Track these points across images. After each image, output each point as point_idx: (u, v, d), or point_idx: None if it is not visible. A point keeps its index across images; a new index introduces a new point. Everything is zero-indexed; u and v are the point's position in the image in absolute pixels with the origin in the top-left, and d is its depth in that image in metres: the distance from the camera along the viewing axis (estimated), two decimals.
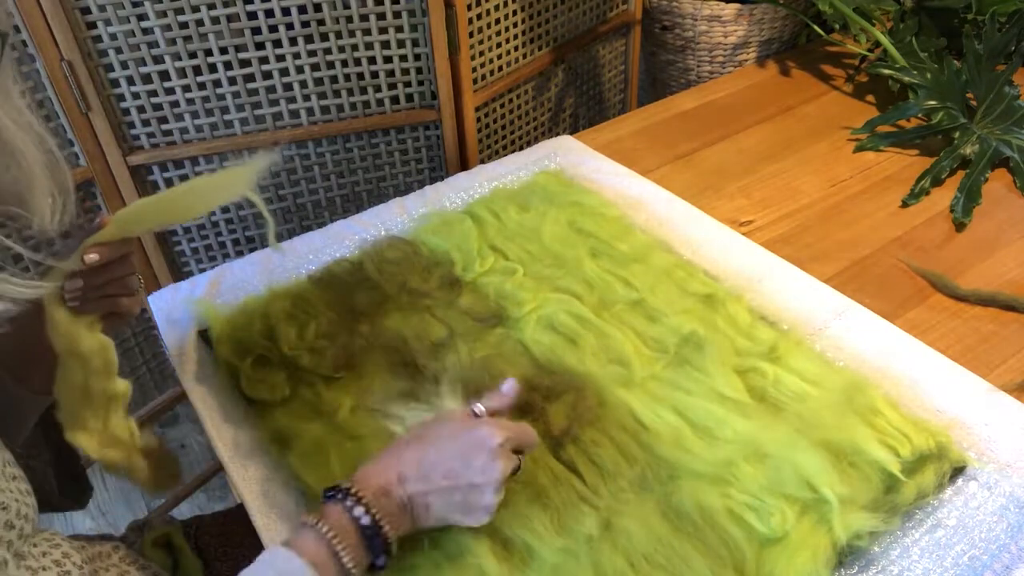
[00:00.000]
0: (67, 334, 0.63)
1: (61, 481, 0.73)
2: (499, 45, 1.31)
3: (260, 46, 1.15)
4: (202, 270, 1.34)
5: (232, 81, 1.16)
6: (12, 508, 0.54)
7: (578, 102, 1.59)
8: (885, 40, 1.29)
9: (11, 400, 0.67)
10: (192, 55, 1.12)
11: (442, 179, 1.13)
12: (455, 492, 0.59)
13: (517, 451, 0.62)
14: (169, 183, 1.24)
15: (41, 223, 0.58)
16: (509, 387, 0.67)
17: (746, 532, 0.61)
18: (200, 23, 1.10)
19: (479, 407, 0.64)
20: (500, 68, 1.34)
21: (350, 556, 0.55)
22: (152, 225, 0.67)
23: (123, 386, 0.69)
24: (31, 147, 0.55)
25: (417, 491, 0.58)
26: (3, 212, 0.55)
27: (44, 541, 0.59)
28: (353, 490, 0.57)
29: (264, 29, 1.13)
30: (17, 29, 1.03)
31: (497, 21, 1.28)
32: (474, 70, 1.28)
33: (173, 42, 1.11)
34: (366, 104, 1.25)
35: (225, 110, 1.19)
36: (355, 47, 1.19)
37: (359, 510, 0.56)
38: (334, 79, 1.21)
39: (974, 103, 1.20)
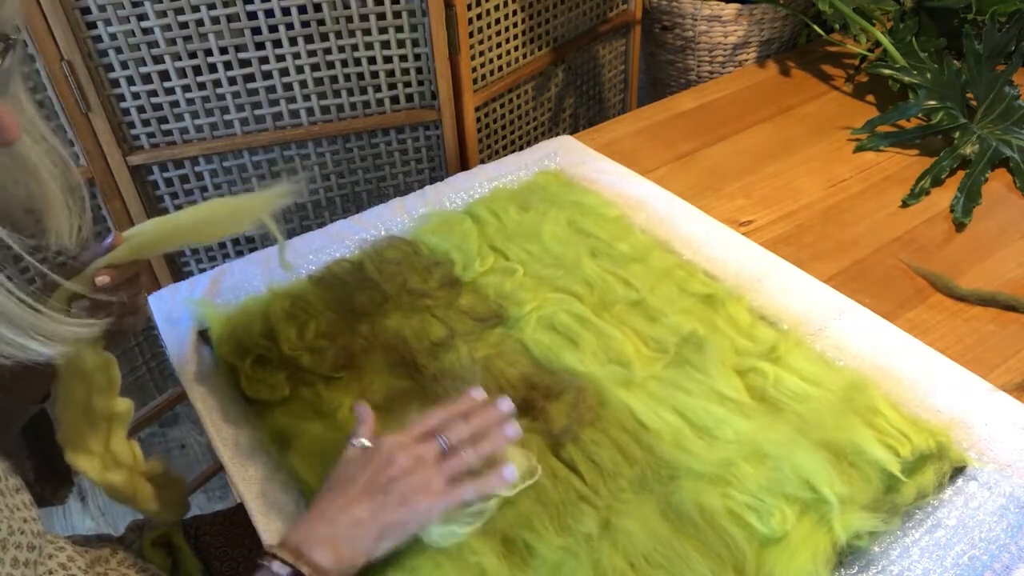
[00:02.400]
0: (70, 352, 0.62)
1: (40, 475, 0.71)
2: (499, 45, 1.31)
3: (260, 46, 1.15)
4: (202, 270, 1.34)
5: (232, 81, 1.16)
6: (27, 531, 0.53)
7: (578, 102, 1.59)
8: (885, 40, 1.29)
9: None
10: (192, 55, 1.12)
11: (442, 179, 1.13)
12: (382, 491, 0.59)
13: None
14: (169, 183, 1.24)
15: (59, 239, 0.56)
16: (361, 412, 0.67)
17: (746, 532, 0.61)
18: (200, 23, 1.10)
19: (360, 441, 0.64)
20: (500, 68, 1.34)
21: None
22: (166, 247, 0.66)
23: (125, 405, 0.68)
24: (46, 160, 0.53)
25: (356, 539, 0.58)
26: (16, 228, 0.53)
27: (48, 544, 0.58)
28: (274, 551, 0.56)
29: (264, 29, 1.13)
30: (17, 29, 1.03)
31: (497, 21, 1.28)
32: (474, 70, 1.28)
33: (173, 42, 1.11)
34: (366, 104, 1.25)
35: (225, 110, 1.19)
36: (355, 47, 1.19)
37: (276, 565, 0.55)
38: (334, 79, 1.21)
39: (974, 103, 1.20)
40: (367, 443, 0.64)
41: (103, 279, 0.60)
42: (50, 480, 0.71)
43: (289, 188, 0.67)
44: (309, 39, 1.16)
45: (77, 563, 0.58)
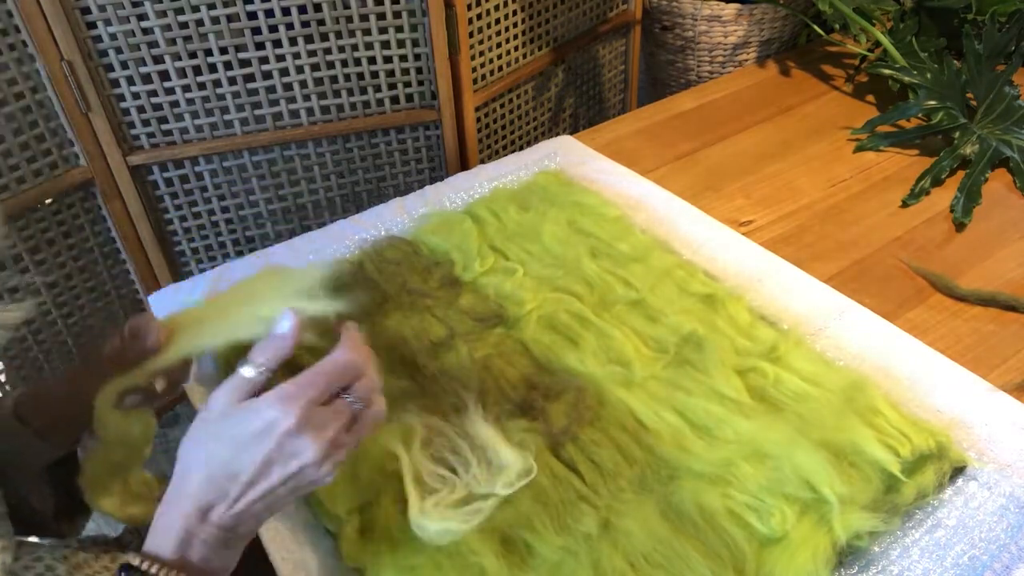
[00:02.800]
0: (118, 430, 0.62)
1: (58, 511, 0.71)
2: (499, 45, 1.31)
3: (260, 46, 1.15)
4: (202, 270, 1.34)
5: (232, 81, 1.16)
6: None
7: (578, 102, 1.59)
8: (885, 40, 1.29)
9: (22, 449, 0.66)
10: (192, 55, 1.12)
11: (442, 179, 1.13)
12: (276, 489, 0.49)
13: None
14: (169, 183, 1.24)
15: None
16: (286, 327, 0.53)
17: (746, 532, 0.61)
18: (200, 23, 1.10)
19: (249, 370, 0.51)
20: (500, 68, 1.34)
21: None
22: (212, 341, 0.63)
23: (150, 449, 0.69)
24: None
25: (232, 514, 0.49)
26: None
27: (25, 555, 0.58)
28: (144, 567, 0.47)
29: (264, 29, 1.13)
30: (17, 29, 1.03)
31: (497, 21, 1.28)
32: (474, 70, 1.28)
33: (173, 42, 1.11)
34: (366, 104, 1.25)
35: (225, 110, 1.19)
36: (355, 47, 1.19)
37: None
38: (334, 79, 1.21)
39: (974, 103, 1.20)
40: (257, 374, 0.51)
41: (161, 384, 0.62)
42: (67, 513, 0.71)
43: (325, 269, 0.65)
44: (309, 39, 1.16)
45: (57, 571, 0.58)
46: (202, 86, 1.16)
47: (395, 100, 1.26)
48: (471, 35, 1.24)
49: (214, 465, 0.49)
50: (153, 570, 0.46)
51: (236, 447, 0.49)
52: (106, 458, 0.64)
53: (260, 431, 0.49)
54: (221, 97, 1.18)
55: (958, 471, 0.68)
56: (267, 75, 1.18)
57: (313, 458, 0.49)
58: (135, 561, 0.47)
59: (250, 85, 1.18)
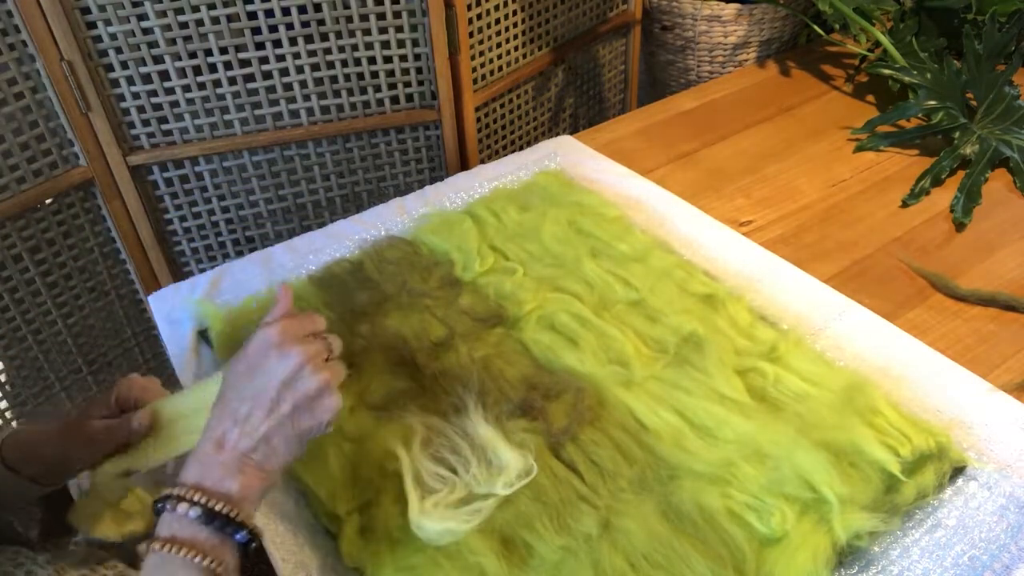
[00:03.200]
0: (113, 490, 0.66)
1: (44, 532, 0.71)
2: (499, 45, 1.31)
3: (260, 46, 1.15)
4: (202, 270, 1.34)
5: (232, 81, 1.16)
6: None
7: (578, 102, 1.59)
8: (885, 40, 1.29)
9: (12, 489, 0.66)
10: (192, 55, 1.12)
11: (442, 179, 1.13)
12: (278, 405, 0.55)
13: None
14: (169, 183, 1.24)
15: None
16: (281, 294, 0.61)
17: (746, 532, 0.61)
18: (200, 23, 1.10)
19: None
20: (500, 68, 1.34)
21: (201, 557, 0.51)
22: (190, 435, 0.65)
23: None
24: None
25: (244, 437, 0.54)
26: None
27: (7, 561, 0.58)
28: (175, 493, 0.53)
29: (264, 29, 1.13)
30: (17, 29, 1.03)
31: (497, 21, 1.28)
32: (474, 70, 1.28)
33: (173, 42, 1.11)
34: (366, 104, 1.25)
35: (225, 110, 1.19)
36: (355, 47, 1.19)
37: (182, 507, 0.52)
38: (334, 79, 1.21)
39: (974, 103, 1.20)
40: None
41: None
42: (53, 535, 0.71)
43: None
44: (309, 39, 1.16)
45: (38, 574, 0.58)
46: (202, 86, 1.16)
47: (395, 100, 1.26)
48: (471, 35, 1.24)
49: (227, 399, 0.56)
50: (175, 492, 0.53)
51: (240, 378, 0.56)
52: (100, 499, 0.65)
53: (254, 355, 0.56)
54: (221, 97, 1.18)
55: (958, 471, 0.68)
56: (267, 75, 1.18)
57: (301, 361, 0.55)
58: (164, 491, 0.53)
59: (250, 85, 1.18)
